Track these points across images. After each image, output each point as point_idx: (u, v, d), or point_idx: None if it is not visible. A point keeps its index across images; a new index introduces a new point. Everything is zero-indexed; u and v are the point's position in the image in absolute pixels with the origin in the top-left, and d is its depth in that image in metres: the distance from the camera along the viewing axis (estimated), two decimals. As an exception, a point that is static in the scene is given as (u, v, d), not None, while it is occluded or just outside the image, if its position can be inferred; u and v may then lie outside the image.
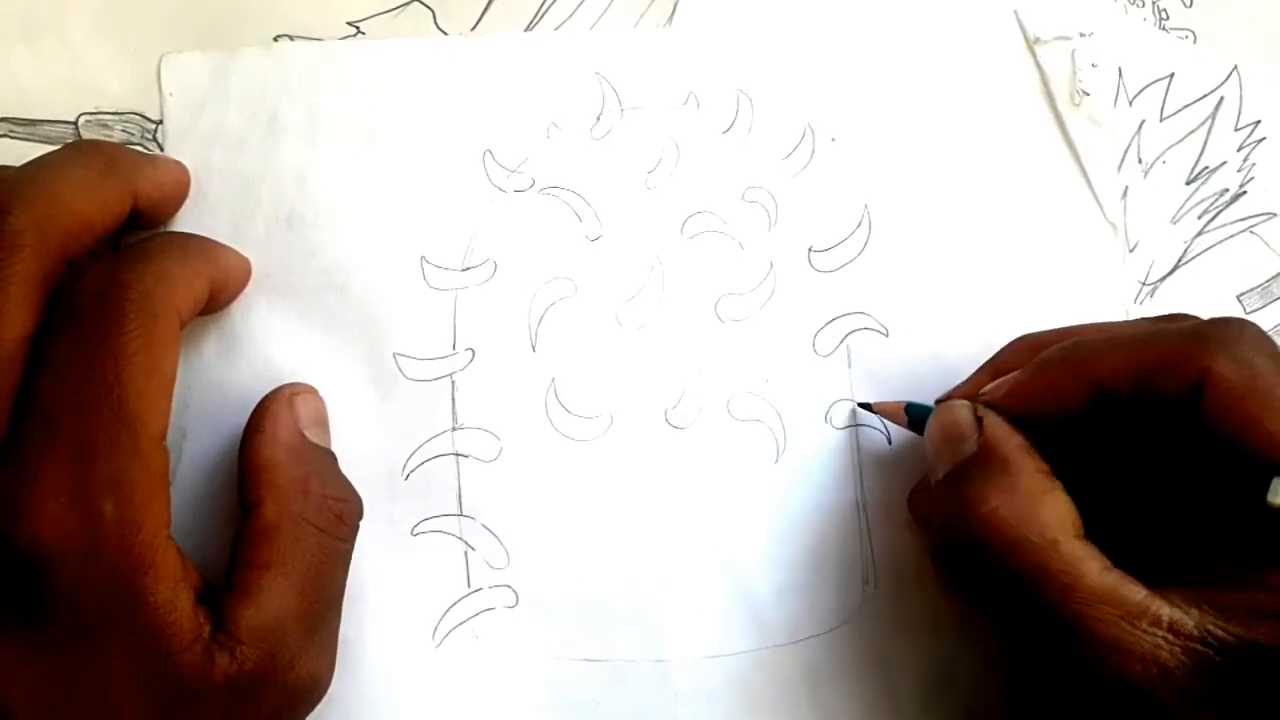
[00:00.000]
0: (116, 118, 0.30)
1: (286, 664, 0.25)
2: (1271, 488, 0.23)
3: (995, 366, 0.28)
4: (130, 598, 0.23)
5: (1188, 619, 0.23)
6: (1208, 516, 0.24)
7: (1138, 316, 0.30)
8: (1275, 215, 0.33)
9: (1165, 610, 0.23)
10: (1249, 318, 0.32)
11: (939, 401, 0.29)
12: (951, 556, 0.26)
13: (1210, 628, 0.23)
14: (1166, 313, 0.28)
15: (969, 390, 0.28)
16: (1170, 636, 0.23)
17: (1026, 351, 0.28)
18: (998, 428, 0.26)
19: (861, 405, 0.30)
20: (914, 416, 0.29)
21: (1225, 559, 0.24)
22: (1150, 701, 0.22)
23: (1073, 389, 0.25)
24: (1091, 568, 0.24)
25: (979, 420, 0.26)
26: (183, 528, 0.24)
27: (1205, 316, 0.27)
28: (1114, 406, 0.25)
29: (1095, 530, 0.25)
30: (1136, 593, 0.23)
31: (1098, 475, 0.26)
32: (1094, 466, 0.26)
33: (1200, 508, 0.25)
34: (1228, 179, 0.33)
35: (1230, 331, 0.24)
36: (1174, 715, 0.22)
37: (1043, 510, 0.24)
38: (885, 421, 0.31)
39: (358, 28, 0.31)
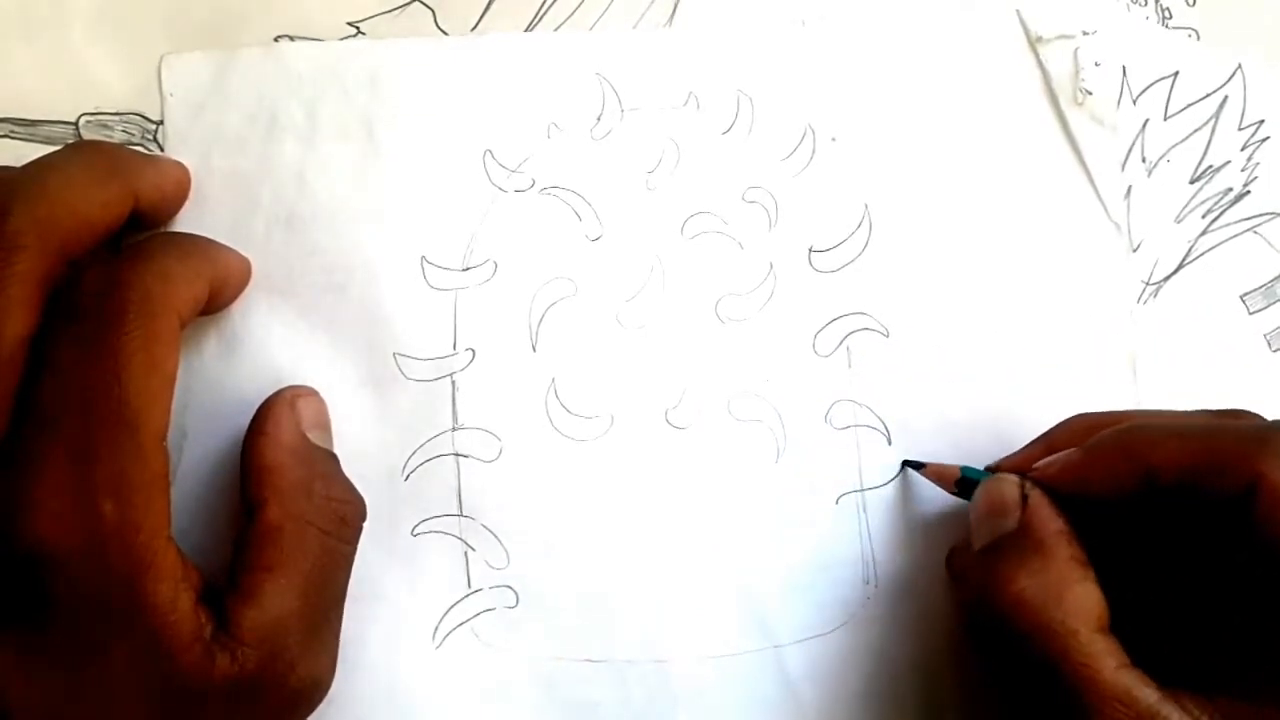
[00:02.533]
0: (117, 118, 0.30)
1: (288, 666, 0.25)
2: None
3: (1049, 440, 0.29)
4: (130, 598, 0.23)
5: None
6: (1239, 622, 0.24)
7: (1190, 408, 0.29)
8: (1279, 215, 0.33)
9: (1175, 715, 0.23)
10: (1252, 320, 0.32)
11: (989, 469, 0.29)
12: (980, 628, 0.26)
13: None
14: (1231, 408, 0.28)
15: (1021, 462, 0.28)
16: None
17: (1082, 430, 0.28)
18: (1040, 509, 0.26)
19: (910, 464, 0.30)
20: (966, 480, 0.29)
21: (1249, 669, 0.24)
22: None
23: (1124, 473, 0.25)
24: (1108, 664, 0.24)
25: (1024, 498, 0.26)
26: (183, 528, 0.24)
27: (1270, 417, 0.27)
28: (1163, 496, 0.25)
29: (1126, 618, 0.25)
30: (1149, 695, 0.23)
31: (1137, 563, 0.26)
32: (1135, 554, 0.26)
33: (1232, 611, 0.25)
34: (1231, 178, 0.33)
35: None
36: None
37: (1069, 599, 0.25)
38: (886, 422, 0.31)
39: (358, 28, 0.31)
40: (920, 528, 0.30)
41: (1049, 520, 0.26)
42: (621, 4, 0.31)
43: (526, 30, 0.31)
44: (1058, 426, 0.29)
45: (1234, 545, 0.24)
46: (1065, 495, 0.26)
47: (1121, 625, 0.25)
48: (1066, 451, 0.27)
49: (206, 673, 0.23)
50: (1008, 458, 0.29)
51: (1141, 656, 0.24)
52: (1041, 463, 0.27)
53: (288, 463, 0.26)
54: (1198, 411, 0.28)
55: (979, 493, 0.28)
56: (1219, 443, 0.25)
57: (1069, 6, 0.32)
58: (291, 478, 0.26)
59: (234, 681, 0.24)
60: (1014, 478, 0.27)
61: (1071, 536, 0.26)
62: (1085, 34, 0.32)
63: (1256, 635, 0.24)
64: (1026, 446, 0.29)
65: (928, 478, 0.30)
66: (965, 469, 0.29)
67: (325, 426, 0.29)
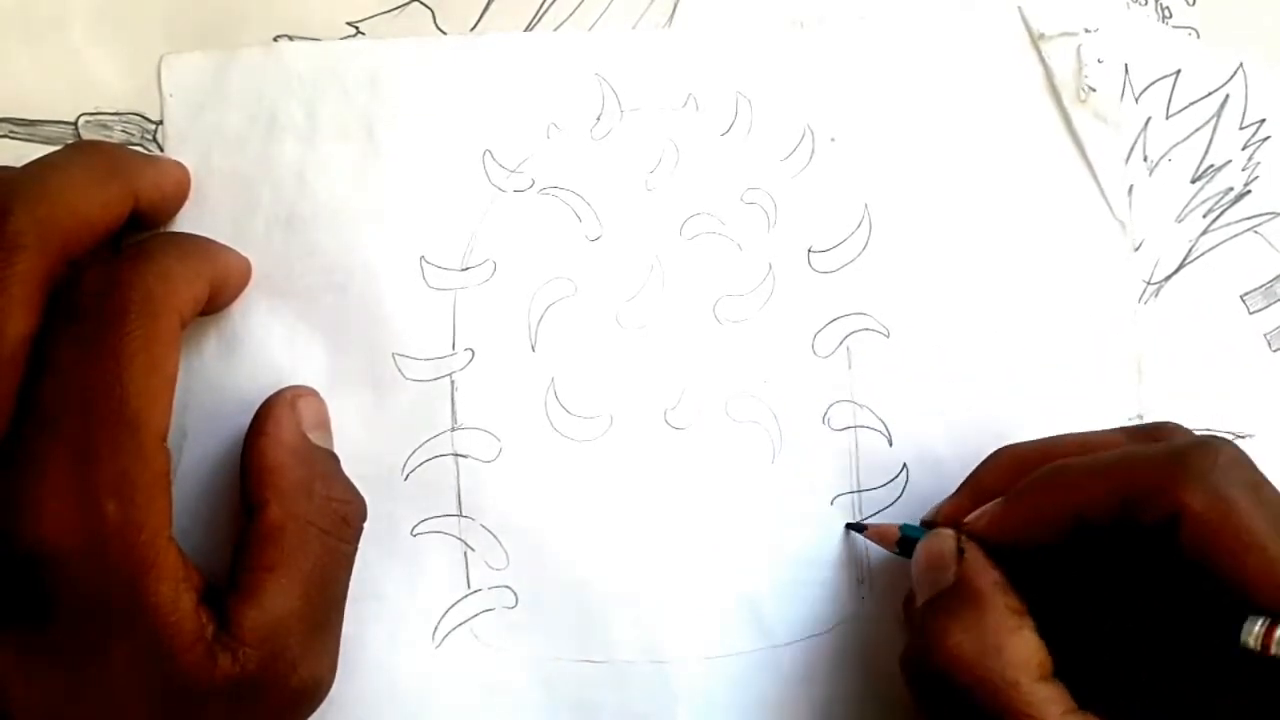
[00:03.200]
0: (116, 118, 0.30)
1: (289, 666, 0.25)
2: (1244, 628, 0.22)
3: (976, 482, 0.29)
4: (132, 598, 0.23)
5: None
6: (1182, 654, 0.24)
7: (1122, 423, 0.29)
8: (1279, 215, 0.33)
9: None
10: (1253, 320, 0.32)
11: (924, 523, 0.29)
12: (921, 682, 0.26)
13: None
14: (1152, 421, 0.28)
15: (952, 511, 0.28)
16: None
17: (1008, 467, 0.28)
18: (975, 562, 0.26)
19: (851, 526, 0.30)
20: (906, 539, 0.29)
21: (1198, 701, 0.24)
22: None
23: (1053, 519, 0.25)
24: (1053, 711, 0.24)
25: (960, 551, 0.26)
26: (183, 528, 0.24)
27: (1189, 430, 0.27)
28: (1095, 533, 0.25)
29: (1071, 662, 0.25)
30: None
31: (1076, 604, 0.26)
32: (1073, 596, 0.26)
33: (1175, 644, 0.24)
34: (1232, 178, 0.33)
35: (1205, 459, 0.24)
36: None
37: (1007, 649, 0.24)
38: (885, 423, 0.31)
39: (357, 28, 0.31)
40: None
41: (983, 572, 0.26)
42: (621, 4, 0.31)
43: (526, 30, 0.31)
44: (983, 466, 0.29)
45: (1167, 576, 0.24)
46: (997, 546, 0.26)
47: (1068, 669, 0.24)
48: (993, 503, 0.27)
49: (208, 673, 0.24)
50: (939, 507, 0.29)
51: (1090, 699, 0.24)
52: (971, 516, 0.27)
53: (288, 463, 0.26)
54: (1114, 430, 0.28)
55: (918, 549, 0.28)
56: (1138, 474, 0.24)
57: (1071, 4, 0.32)
58: (292, 478, 0.26)
59: (235, 682, 0.24)
60: (950, 532, 0.27)
61: (1007, 587, 0.25)
62: (1088, 31, 0.32)
63: (1197, 665, 0.24)
64: (956, 493, 0.29)
65: (870, 539, 0.30)
66: (904, 527, 0.29)
67: (325, 426, 0.29)
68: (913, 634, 0.27)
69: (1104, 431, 0.28)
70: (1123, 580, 0.25)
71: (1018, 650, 0.24)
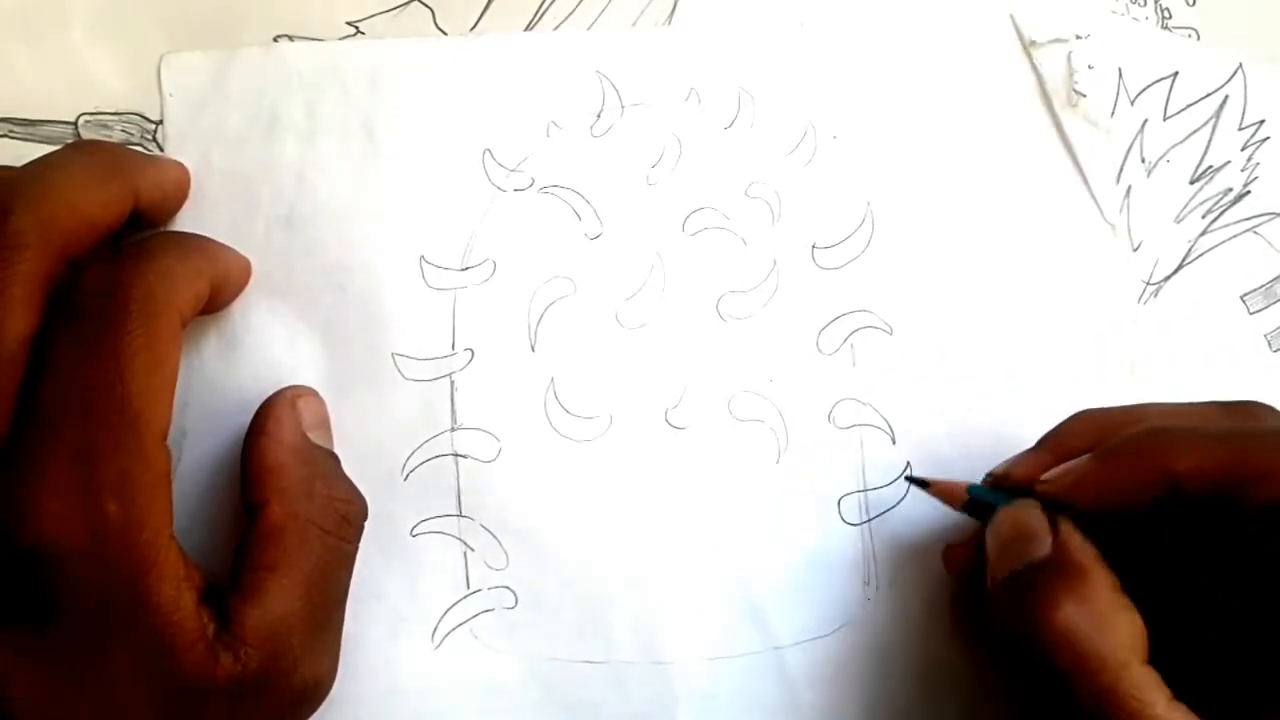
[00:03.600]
0: (116, 118, 0.30)
1: (290, 666, 0.25)
2: None
3: (1055, 443, 0.27)
4: (133, 597, 0.23)
5: None
6: (1271, 647, 0.23)
7: (1206, 401, 0.27)
8: (1279, 215, 0.33)
9: None
10: (1253, 320, 0.32)
11: (995, 478, 0.27)
12: (1014, 658, 0.24)
13: None
14: (1240, 401, 0.26)
15: (1029, 471, 0.27)
16: None
17: (1089, 430, 0.26)
18: (1073, 535, 0.24)
19: (913, 480, 0.29)
20: (975, 501, 0.27)
21: None
22: None
23: (1145, 483, 0.24)
24: (1159, 699, 0.22)
25: (1054, 523, 0.25)
26: (182, 527, 0.24)
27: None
28: (1185, 507, 0.23)
29: (1156, 648, 0.23)
30: None
31: (1159, 585, 0.24)
32: (1155, 575, 0.24)
33: (1267, 633, 0.23)
34: (1231, 178, 0.33)
35: None
36: None
37: (1116, 628, 0.23)
38: (890, 422, 0.30)
39: (357, 28, 0.31)
40: (922, 529, 0.30)
41: (1083, 545, 0.24)
42: (621, 2, 0.31)
43: (525, 30, 0.31)
44: (1062, 427, 0.27)
45: (1267, 558, 0.23)
46: (1078, 511, 0.25)
47: (1154, 657, 0.23)
48: (1078, 460, 0.25)
49: (209, 672, 0.23)
50: (1012, 464, 0.27)
51: (1176, 689, 0.23)
52: (1053, 474, 0.26)
53: (289, 463, 0.26)
54: (1204, 405, 0.27)
55: (1001, 518, 0.26)
56: (1253, 451, 0.23)
57: (1062, 11, 0.32)
58: (293, 477, 0.26)
59: (236, 681, 0.24)
60: (1036, 504, 0.25)
61: (1104, 563, 0.24)
62: (1078, 38, 0.32)
63: None
64: (1032, 451, 0.27)
65: (934, 495, 0.28)
66: (972, 488, 0.28)
67: (326, 426, 0.29)
68: (997, 606, 0.25)
69: (1194, 404, 0.26)
70: (1207, 564, 0.24)
71: (1126, 630, 0.23)
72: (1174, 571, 0.24)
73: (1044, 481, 0.26)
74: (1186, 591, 0.24)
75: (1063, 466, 0.26)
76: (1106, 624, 0.23)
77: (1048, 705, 0.24)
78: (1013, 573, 0.25)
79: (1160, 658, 0.23)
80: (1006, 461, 0.28)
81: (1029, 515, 0.25)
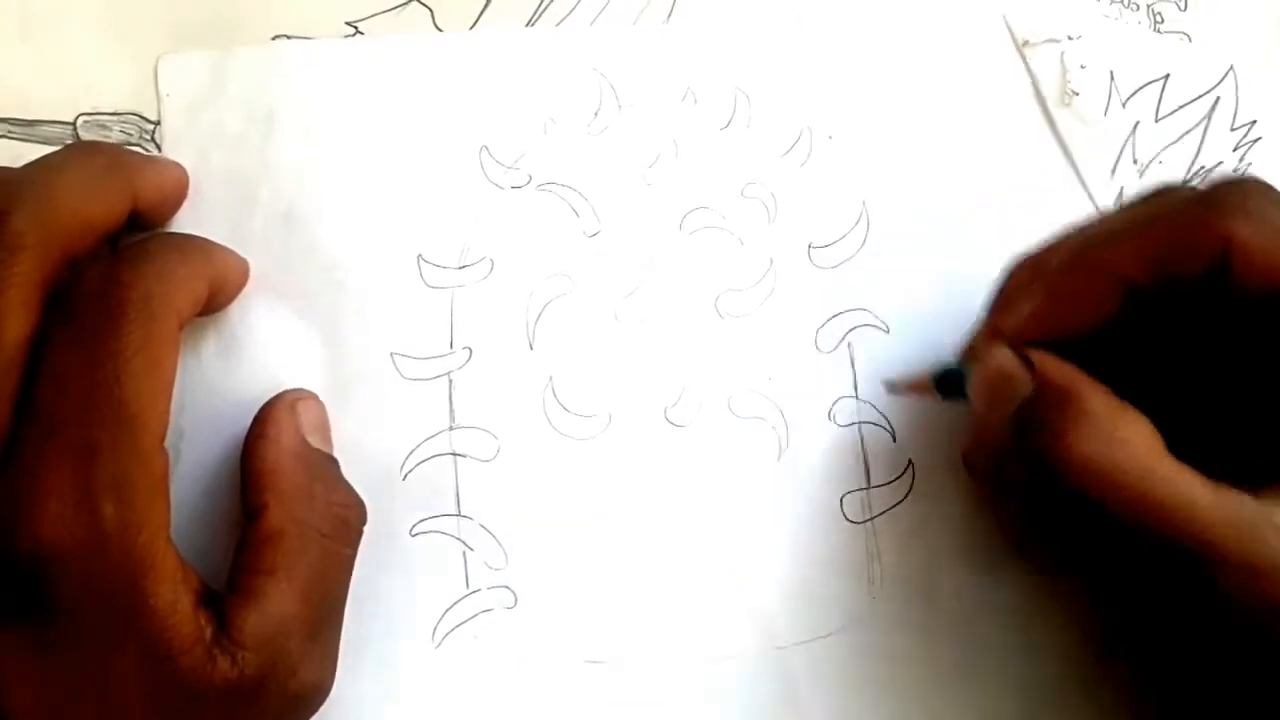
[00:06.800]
0: (115, 118, 0.30)
1: (288, 670, 0.25)
2: None
3: (1005, 299, 0.26)
4: (131, 599, 0.23)
5: None
6: (1266, 403, 0.22)
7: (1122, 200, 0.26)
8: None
9: (1278, 515, 0.20)
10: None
11: (963, 354, 0.27)
12: (1055, 517, 0.23)
13: None
14: (1149, 189, 0.25)
15: (987, 332, 0.26)
16: None
17: (1032, 272, 0.26)
18: (1048, 361, 0.23)
19: (886, 386, 0.29)
20: (944, 380, 0.26)
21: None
22: None
23: (1097, 293, 0.23)
24: (1194, 483, 0.21)
25: (1025, 358, 0.24)
26: (179, 529, 0.24)
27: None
28: (1138, 307, 0.23)
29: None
30: (1246, 503, 0.21)
31: (1140, 388, 0.23)
32: (1134, 379, 0.23)
33: (1255, 395, 0.22)
34: (1225, 179, 0.33)
35: (1237, 191, 0.22)
36: None
37: (1126, 436, 0.22)
38: (890, 419, 0.30)
39: (356, 27, 0.31)
40: (925, 527, 0.30)
41: (1060, 367, 0.23)
42: (620, 1, 0.31)
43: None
44: (1004, 280, 0.27)
45: (1225, 327, 0.22)
46: (1043, 343, 0.24)
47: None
48: (1027, 291, 0.25)
49: (206, 675, 0.23)
50: (970, 335, 0.27)
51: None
52: (1009, 316, 0.25)
53: (289, 466, 0.26)
54: (1127, 204, 0.26)
55: (975, 376, 0.25)
56: (1175, 223, 0.23)
57: (1054, 12, 0.32)
58: (293, 481, 0.26)
59: (234, 685, 0.24)
60: (1002, 345, 0.24)
61: (1091, 377, 0.23)
62: (1070, 39, 0.32)
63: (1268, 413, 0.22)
64: (986, 315, 0.27)
65: (903, 394, 0.28)
66: (936, 367, 0.27)
67: (325, 430, 0.29)
68: (1008, 469, 0.24)
69: (1105, 212, 0.26)
70: (1181, 352, 0.23)
71: (1135, 431, 0.22)
72: (1150, 368, 0.24)
73: (1001, 329, 0.25)
74: (1166, 383, 0.24)
75: (1014, 310, 0.25)
76: (1114, 435, 0.22)
77: (1113, 548, 0.22)
78: (1009, 424, 0.24)
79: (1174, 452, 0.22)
80: (967, 336, 0.27)
81: (1000, 360, 0.24)
